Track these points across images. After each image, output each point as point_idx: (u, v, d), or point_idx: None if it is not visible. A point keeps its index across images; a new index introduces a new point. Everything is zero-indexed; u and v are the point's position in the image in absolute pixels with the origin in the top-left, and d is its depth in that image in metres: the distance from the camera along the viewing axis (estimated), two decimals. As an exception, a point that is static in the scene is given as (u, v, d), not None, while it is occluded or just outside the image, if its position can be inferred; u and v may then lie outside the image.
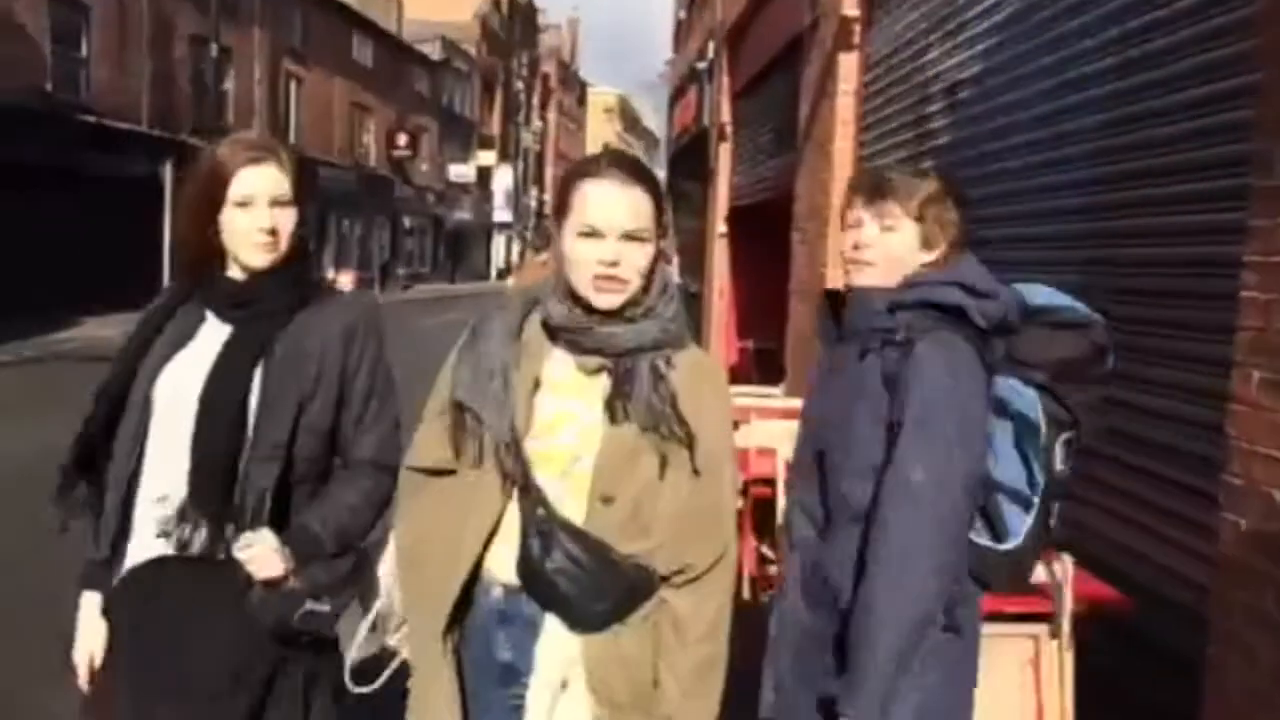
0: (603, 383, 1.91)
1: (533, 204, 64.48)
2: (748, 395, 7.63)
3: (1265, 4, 3.02)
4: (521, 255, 59.13)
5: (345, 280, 36.45)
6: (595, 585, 1.86)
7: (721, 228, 14.30)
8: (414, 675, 2.01)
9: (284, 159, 2.20)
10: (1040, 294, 2.25)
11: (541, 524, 1.87)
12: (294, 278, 2.21)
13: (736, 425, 6.47)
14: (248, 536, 2.04)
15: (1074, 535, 3.12)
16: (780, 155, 10.71)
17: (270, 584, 2.06)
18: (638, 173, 1.93)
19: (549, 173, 68.10)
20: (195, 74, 25.13)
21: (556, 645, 1.92)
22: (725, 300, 14.30)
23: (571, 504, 1.90)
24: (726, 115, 14.35)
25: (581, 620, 1.90)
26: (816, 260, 8.30)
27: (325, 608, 2.08)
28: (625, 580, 1.89)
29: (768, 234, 10.66)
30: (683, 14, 21.90)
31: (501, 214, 57.56)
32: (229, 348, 2.14)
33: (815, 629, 2.13)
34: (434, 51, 46.92)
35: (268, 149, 2.21)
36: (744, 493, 5.32)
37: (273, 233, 2.15)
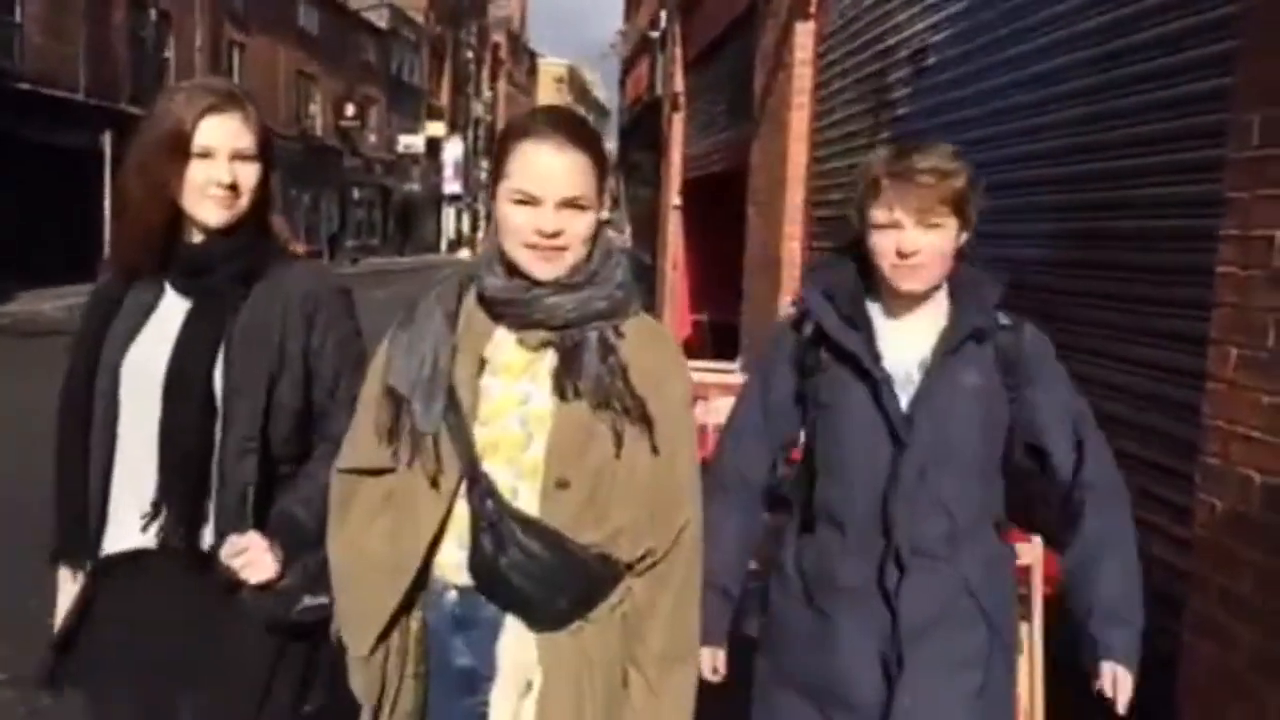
0: (549, 359, 1.78)
1: (483, 176, 63.86)
2: (705, 370, 7.52)
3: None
4: (474, 227, 58.68)
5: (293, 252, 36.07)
6: (554, 579, 1.74)
7: (676, 200, 14.15)
8: (361, 700, 1.87)
9: (249, 109, 2.02)
10: None
11: (492, 517, 1.73)
12: (252, 242, 2.04)
13: (695, 401, 6.41)
14: (234, 540, 1.93)
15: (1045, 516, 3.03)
16: (735, 126, 10.57)
17: (263, 585, 1.94)
18: (578, 134, 1.77)
19: (499, 144, 67.40)
20: (133, 40, 24.49)
21: (519, 646, 1.78)
22: (679, 273, 14.19)
23: (525, 493, 1.76)
24: (680, 85, 14.18)
25: (542, 618, 1.76)
26: (772, 233, 8.20)
27: (322, 599, 1.95)
28: (586, 572, 1.76)
29: (722, 206, 10.55)
30: (634, -18, 21.64)
31: (451, 185, 56.96)
32: (189, 325, 1.98)
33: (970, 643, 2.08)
34: (382, 20, 46.17)
35: (231, 96, 2.01)
36: (703, 469, 5.21)
37: (232, 188, 1.98)
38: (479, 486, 1.75)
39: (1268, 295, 2.70)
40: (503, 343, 1.80)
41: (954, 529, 2.04)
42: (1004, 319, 2.09)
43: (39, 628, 2.09)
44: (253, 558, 1.93)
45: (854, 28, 6.99)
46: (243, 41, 32.27)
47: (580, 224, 1.76)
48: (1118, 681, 2.06)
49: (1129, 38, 3.73)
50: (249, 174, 2.01)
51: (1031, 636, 3.04)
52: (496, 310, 1.80)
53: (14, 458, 3.85)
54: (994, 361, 2.06)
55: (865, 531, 2.06)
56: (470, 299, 1.83)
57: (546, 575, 1.73)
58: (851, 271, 2.14)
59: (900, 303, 2.09)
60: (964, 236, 2.05)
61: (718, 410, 5.47)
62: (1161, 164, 3.50)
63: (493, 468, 1.76)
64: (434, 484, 1.77)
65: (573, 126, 1.79)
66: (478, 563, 1.75)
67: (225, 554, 1.92)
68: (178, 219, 2.00)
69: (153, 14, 23.44)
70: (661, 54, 15.64)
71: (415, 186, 52.56)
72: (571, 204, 1.74)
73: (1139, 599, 2.11)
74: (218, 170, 1.96)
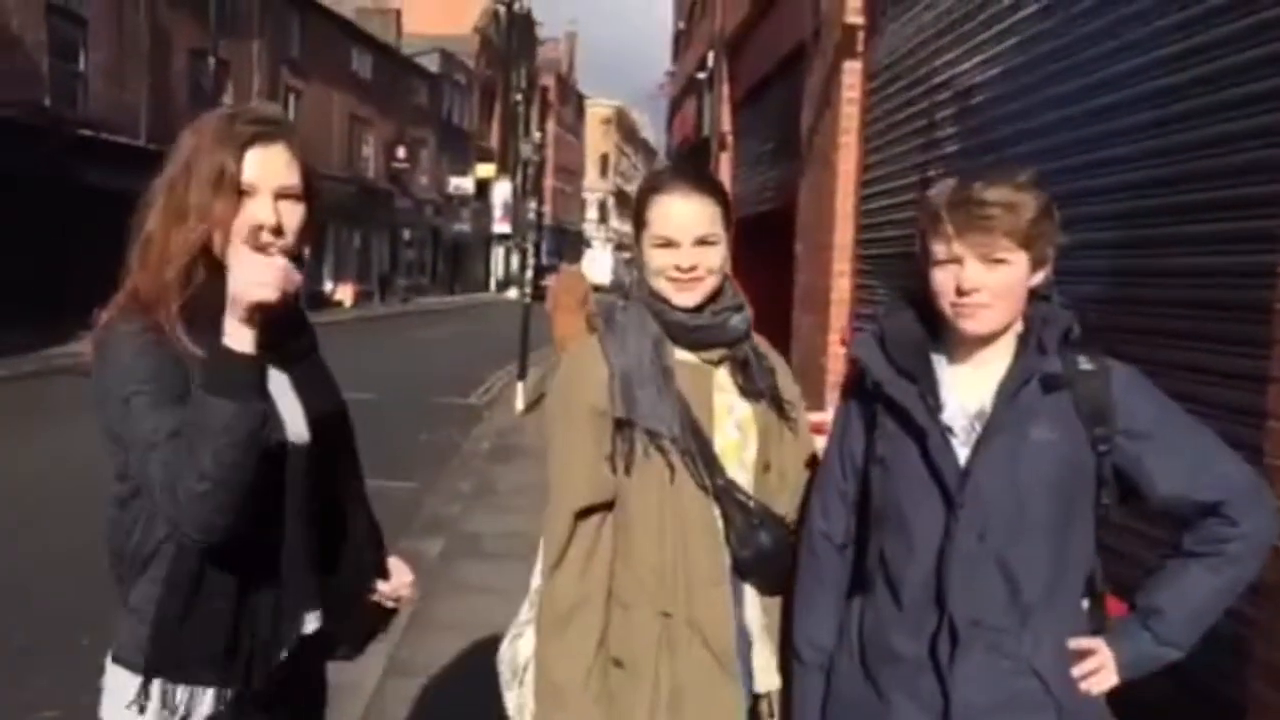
0: (721, 372, 2.15)
1: (531, 215, 64.44)
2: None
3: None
4: (523, 267, 59.05)
5: (345, 292, 36.79)
6: (787, 551, 2.12)
7: (723, 238, 14.14)
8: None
9: (295, 139, 1.79)
10: None
11: (756, 517, 2.08)
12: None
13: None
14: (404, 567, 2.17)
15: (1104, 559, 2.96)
16: (783, 165, 10.58)
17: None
18: (701, 182, 2.14)
19: (548, 184, 68.07)
20: (193, 87, 25.08)
21: (754, 610, 2.16)
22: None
23: (746, 484, 2.11)
24: (727, 125, 14.25)
25: (778, 585, 2.15)
26: (820, 271, 8.16)
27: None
28: (791, 542, 2.14)
29: (771, 244, 10.53)
30: (682, 24, 21.83)
31: (500, 226, 57.33)
32: (312, 399, 1.87)
33: None
34: (433, 64, 46.97)
35: (278, 124, 1.79)
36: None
37: (277, 231, 1.74)
38: (734, 494, 2.07)
39: (1331, 333, 2.63)
40: (684, 364, 2.11)
41: (1020, 599, 1.84)
42: (1085, 363, 1.87)
43: (90, 664, 2.09)
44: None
45: (901, 66, 6.98)
46: (299, 88, 32.98)
47: (712, 257, 2.10)
48: (1100, 665, 1.88)
49: (1185, 73, 3.67)
50: (294, 216, 1.78)
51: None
52: (686, 336, 2.12)
53: (84, 501, 3.89)
54: (1074, 411, 1.85)
55: (919, 598, 1.89)
56: (647, 330, 2.11)
57: (789, 551, 2.11)
58: (911, 317, 1.99)
59: (965, 348, 1.92)
60: (1039, 275, 1.88)
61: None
62: (1219, 199, 3.44)
63: (730, 468, 2.09)
64: (694, 501, 2.05)
65: (696, 177, 2.16)
66: (754, 556, 2.08)
67: (400, 585, 2.11)
68: (191, 268, 1.74)
69: (212, 62, 24.01)
70: (709, 94, 15.73)
71: (465, 227, 53.13)
72: (703, 241, 2.08)
73: (1200, 628, 1.90)
74: (261, 210, 1.73)
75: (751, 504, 2.09)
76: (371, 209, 39.49)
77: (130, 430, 1.64)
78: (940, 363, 1.95)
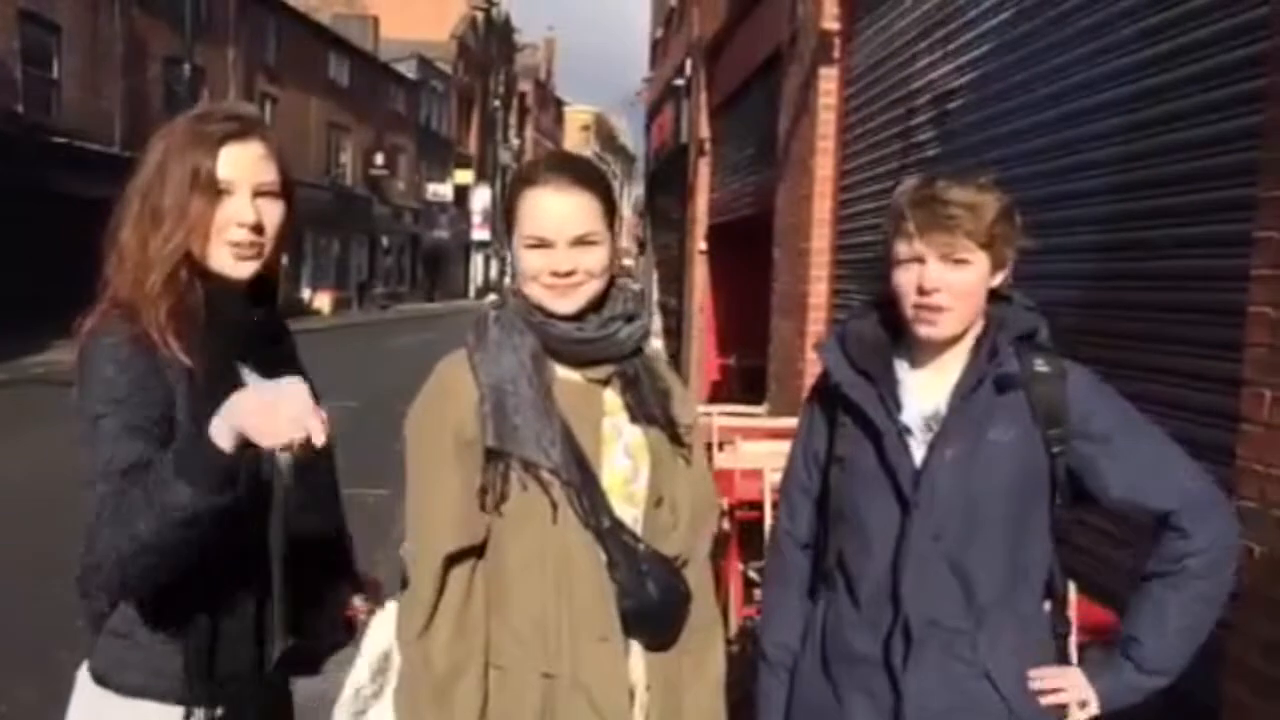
0: (609, 393, 1.89)
1: (511, 222, 64.28)
2: (732, 415, 7.50)
3: (1274, 7, 2.90)
4: (502, 273, 58.93)
5: (323, 299, 36.62)
6: (682, 602, 1.89)
7: (701, 244, 14.18)
8: None
9: (270, 137, 1.74)
10: None
11: (645, 560, 1.83)
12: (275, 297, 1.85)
13: (722, 447, 6.38)
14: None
15: (1076, 560, 2.98)
16: (760, 171, 10.60)
17: None
18: (579, 174, 1.85)
19: (527, 191, 67.92)
20: (168, 94, 24.93)
21: (637, 666, 1.90)
22: (706, 316, 14.18)
23: (631, 520, 1.87)
24: (705, 131, 14.26)
25: (670, 638, 1.91)
26: (798, 276, 8.18)
27: None
28: (685, 589, 1.91)
29: (749, 249, 10.55)
30: (660, 32, 21.85)
31: (479, 232, 57.46)
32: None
33: None
34: (410, 70, 46.86)
35: (252, 120, 1.73)
36: (730, 516, 5.18)
37: (257, 229, 1.69)
38: (618, 530, 1.82)
39: (1302, 335, 2.65)
40: (566, 382, 1.86)
41: (975, 600, 1.84)
42: (1042, 365, 1.87)
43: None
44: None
45: (878, 72, 7.01)
46: (275, 94, 32.83)
47: (593, 258, 1.83)
48: (1068, 687, 1.86)
49: (1157, 78, 3.70)
50: (274, 214, 1.73)
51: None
52: (569, 350, 1.85)
53: (51, 506, 3.84)
54: (1030, 413, 1.85)
55: (875, 598, 1.89)
56: (523, 346, 1.84)
57: (679, 601, 1.88)
58: (875, 320, 2.00)
59: (926, 351, 1.93)
60: (999, 277, 1.89)
61: (743, 455, 5.44)
62: (1191, 204, 3.46)
63: (616, 504, 1.83)
64: (578, 541, 1.80)
65: (574, 168, 1.87)
66: (637, 607, 1.82)
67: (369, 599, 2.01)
68: (176, 272, 1.67)
69: (187, 68, 23.81)
70: (687, 100, 15.75)
71: (443, 234, 53.02)
72: (582, 241, 1.81)
73: (1185, 649, 1.89)
74: (239, 208, 1.68)
75: (640, 548, 1.83)
76: (349, 216, 39.34)
77: (93, 452, 1.58)
78: (902, 365, 1.97)
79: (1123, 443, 1.86)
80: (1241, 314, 2.89)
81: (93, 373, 1.61)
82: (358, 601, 2.00)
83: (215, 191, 1.66)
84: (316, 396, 1.89)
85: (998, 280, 1.90)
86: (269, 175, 1.72)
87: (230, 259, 1.70)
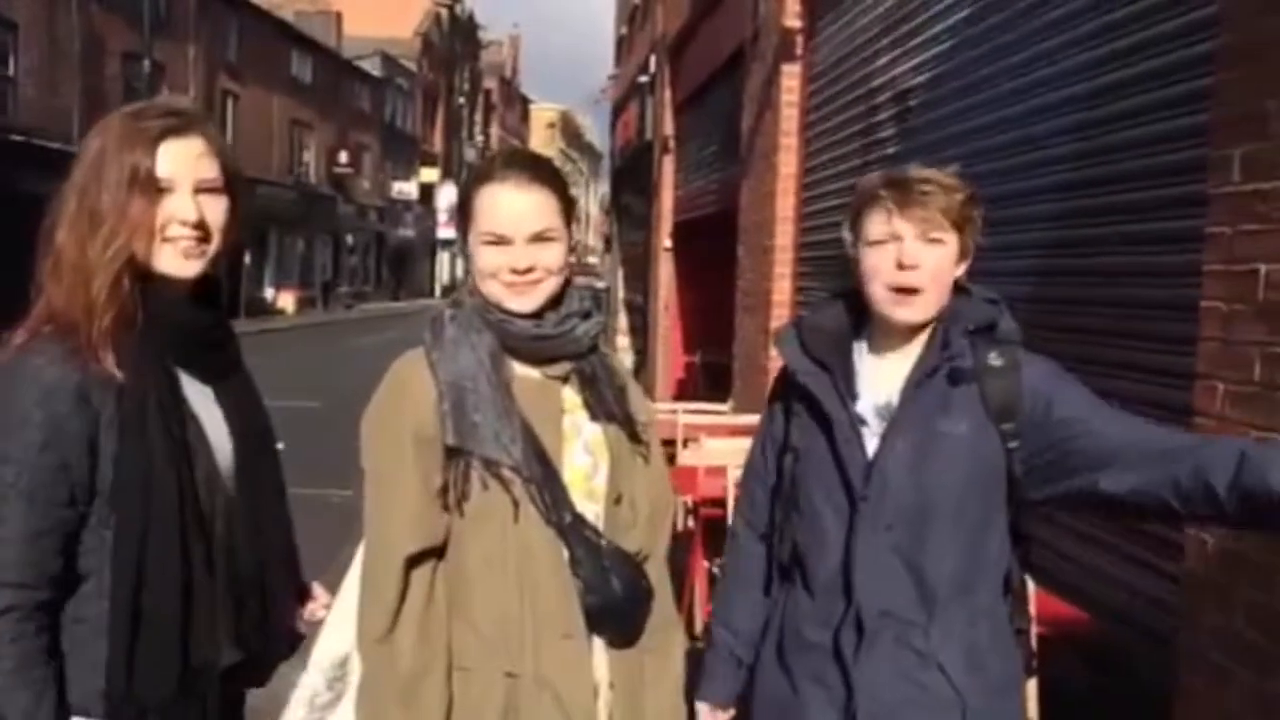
0: (569, 390, 1.90)
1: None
2: (697, 412, 7.52)
3: (1223, 5, 2.94)
4: (468, 272, 58.82)
5: (287, 299, 36.35)
6: (644, 600, 1.90)
7: (667, 241, 14.20)
8: None
9: (211, 132, 1.69)
10: None
11: (608, 556, 1.83)
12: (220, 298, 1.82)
13: (686, 444, 6.39)
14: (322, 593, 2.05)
15: (1034, 554, 3.02)
16: (724, 168, 10.63)
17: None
18: (536, 170, 1.86)
19: (493, 188, 67.73)
20: (127, 91, 24.65)
21: (600, 663, 1.90)
22: (671, 314, 14.20)
23: (592, 516, 1.87)
24: (670, 128, 14.27)
25: (633, 635, 1.91)
26: (762, 273, 8.21)
27: None
28: (648, 585, 1.92)
29: (713, 247, 10.57)
30: (624, 29, 21.85)
31: (445, 231, 57.17)
32: (240, 421, 1.74)
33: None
34: (375, 68, 46.59)
35: (189, 115, 1.68)
36: (694, 514, 5.19)
37: (200, 227, 1.64)
38: (582, 529, 1.82)
39: (1253, 329, 2.69)
40: (526, 380, 1.86)
41: (926, 592, 1.84)
42: (995, 358, 1.86)
43: None
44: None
45: (840, 69, 7.04)
46: (236, 91, 32.54)
47: (551, 255, 1.83)
48: None
49: (1112, 75, 3.75)
50: (217, 211, 1.68)
51: (1023, 691, 2.94)
52: (527, 347, 1.86)
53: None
54: (983, 406, 1.84)
55: (829, 588, 1.89)
56: (480, 344, 1.84)
57: (642, 597, 1.89)
58: (837, 310, 2.00)
59: (890, 339, 1.93)
60: (962, 267, 1.90)
61: (708, 453, 5.47)
62: (1146, 200, 3.51)
63: (577, 500, 1.84)
64: (542, 539, 1.80)
65: (530, 164, 1.87)
66: (603, 604, 1.83)
67: (316, 608, 2.00)
68: (119, 277, 1.60)
69: (146, 65, 23.60)
70: (651, 97, 15.76)
71: (409, 232, 52.78)
72: (540, 238, 1.82)
73: None
74: (181, 205, 1.63)
75: (603, 544, 1.84)
76: (313, 214, 39.07)
77: None
78: (862, 354, 1.97)
79: (1098, 419, 1.81)
80: (1194, 309, 2.93)
81: (7, 403, 1.54)
82: (304, 610, 1.98)
83: (155, 190, 1.61)
84: (260, 406, 1.88)
85: (961, 270, 1.91)
86: (210, 171, 1.67)
87: (176, 258, 1.65)
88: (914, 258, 1.83)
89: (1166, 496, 1.64)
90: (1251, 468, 1.54)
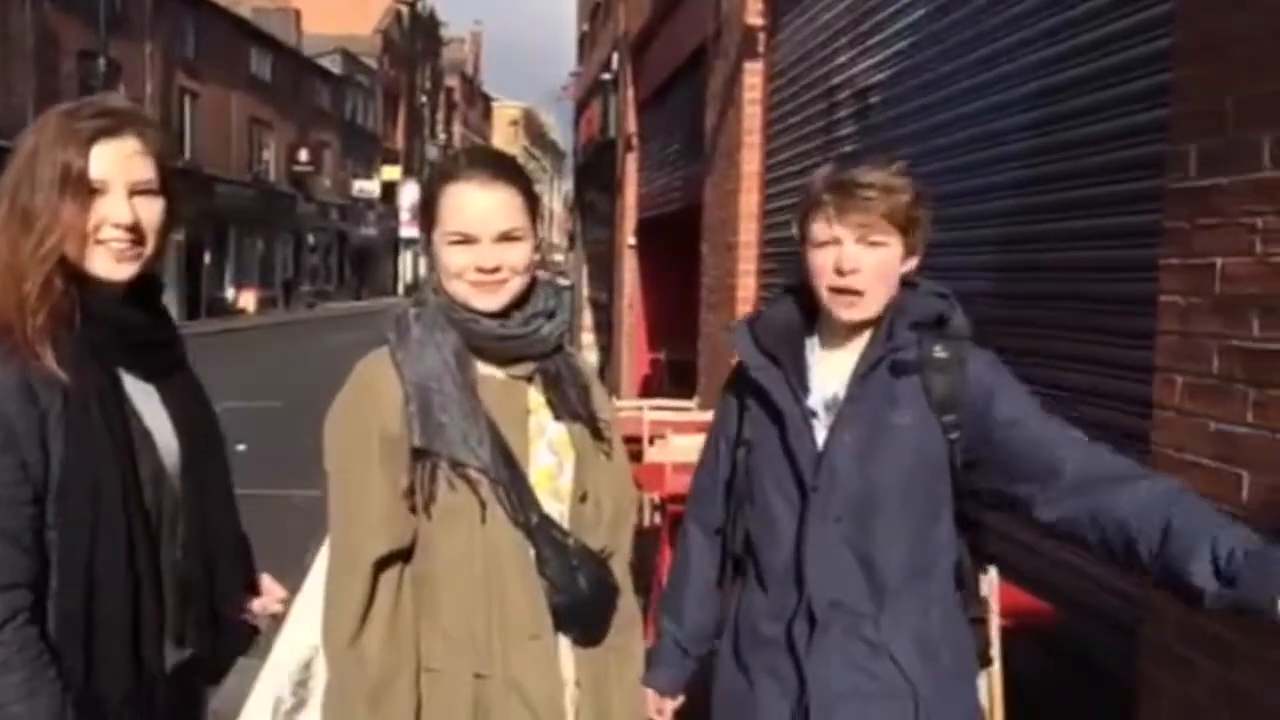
0: (533, 389, 1.89)
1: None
2: (663, 409, 7.52)
3: (1178, 2, 2.97)
4: (431, 269, 58.56)
5: (248, 298, 36.01)
6: (610, 598, 1.91)
7: (630, 239, 14.19)
8: None
9: (146, 132, 1.66)
10: None
11: (575, 555, 1.83)
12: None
13: (653, 441, 6.39)
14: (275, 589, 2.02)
15: (999, 546, 3.03)
16: (688, 165, 10.63)
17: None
18: (501, 169, 1.85)
19: (455, 186, 67.46)
20: (84, 89, 24.29)
21: (567, 662, 1.90)
22: (635, 311, 14.20)
23: (558, 515, 1.87)
24: (633, 126, 14.26)
25: (599, 634, 1.92)
26: (726, 270, 8.22)
27: None
28: (614, 583, 1.93)
29: (677, 244, 10.58)
30: (585, 26, 21.80)
31: (407, 229, 56.83)
32: (186, 419, 1.72)
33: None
34: (335, 65, 46.24)
35: (125, 115, 1.65)
36: (662, 510, 5.19)
37: (134, 229, 1.61)
38: (549, 528, 1.82)
39: (1210, 322, 2.72)
40: (490, 380, 1.85)
41: (876, 583, 1.86)
42: (940, 351, 1.88)
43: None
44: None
45: (801, 67, 7.06)
46: (194, 89, 32.18)
47: (517, 254, 1.83)
48: None
49: (1069, 72, 3.78)
50: (153, 213, 1.65)
51: (990, 683, 2.96)
52: (493, 347, 1.85)
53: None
54: (925, 398, 1.86)
55: (781, 580, 1.91)
56: (445, 344, 1.83)
57: (608, 595, 1.90)
58: (789, 306, 2.02)
59: (837, 334, 1.96)
60: (910, 263, 1.93)
61: (674, 449, 5.47)
62: (1103, 195, 3.55)
63: (543, 499, 1.83)
64: (507, 539, 1.79)
65: (495, 162, 1.87)
66: (571, 602, 1.83)
67: (270, 602, 1.96)
68: (50, 279, 1.57)
69: (102, 63, 23.29)
70: (614, 95, 15.73)
71: (371, 231, 52.44)
72: (506, 237, 1.81)
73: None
74: (115, 208, 1.60)
75: (570, 542, 1.84)
76: (273, 213, 38.74)
77: None
78: (813, 348, 1.99)
79: (1035, 422, 1.84)
80: (1153, 303, 2.96)
81: None
82: (256, 606, 1.95)
83: (88, 191, 1.59)
84: (207, 404, 1.86)
85: (908, 266, 1.94)
86: (145, 173, 1.64)
87: (109, 261, 1.62)
88: (854, 262, 1.86)
89: (1093, 541, 1.72)
90: (1175, 552, 1.58)
